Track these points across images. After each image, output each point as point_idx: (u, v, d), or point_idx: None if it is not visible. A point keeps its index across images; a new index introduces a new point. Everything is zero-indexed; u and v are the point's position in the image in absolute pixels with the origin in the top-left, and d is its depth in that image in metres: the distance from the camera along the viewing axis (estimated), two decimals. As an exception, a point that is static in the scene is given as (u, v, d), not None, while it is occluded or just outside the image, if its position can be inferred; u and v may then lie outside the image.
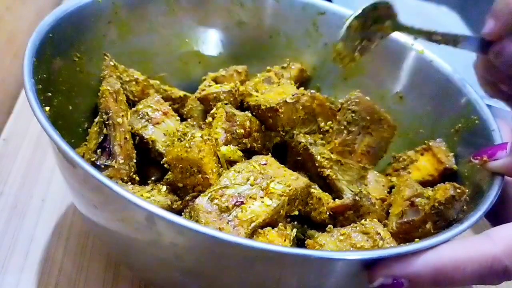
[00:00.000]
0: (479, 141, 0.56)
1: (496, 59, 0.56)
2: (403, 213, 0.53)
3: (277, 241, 0.47)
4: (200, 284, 0.47)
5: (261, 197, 0.49)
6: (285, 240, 0.48)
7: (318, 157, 0.57)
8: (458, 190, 0.49)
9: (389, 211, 0.55)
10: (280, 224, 0.49)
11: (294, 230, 0.51)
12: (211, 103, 0.60)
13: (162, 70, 0.69)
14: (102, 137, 0.54)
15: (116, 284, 0.56)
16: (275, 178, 0.51)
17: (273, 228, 0.48)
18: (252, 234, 0.47)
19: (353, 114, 0.61)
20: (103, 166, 0.53)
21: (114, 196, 0.40)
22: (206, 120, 0.58)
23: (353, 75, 0.70)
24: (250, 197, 0.49)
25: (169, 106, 0.61)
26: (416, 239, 0.47)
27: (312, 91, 0.64)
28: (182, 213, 0.51)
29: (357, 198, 0.54)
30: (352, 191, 0.56)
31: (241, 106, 0.60)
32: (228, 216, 0.47)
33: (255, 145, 0.57)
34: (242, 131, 0.56)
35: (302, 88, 0.61)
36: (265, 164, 0.52)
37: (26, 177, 0.67)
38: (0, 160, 0.68)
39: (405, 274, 0.41)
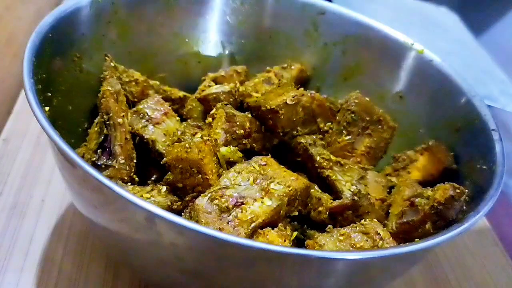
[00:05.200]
0: (479, 141, 0.56)
1: None
2: (402, 213, 0.53)
3: (277, 241, 0.47)
4: (200, 284, 0.47)
5: (261, 198, 0.49)
6: (285, 240, 0.48)
7: (318, 158, 0.57)
8: (457, 190, 0.49)
9: (389, 211, 0.56)
10: (280, 224, 0.49)
11: (294, 230, 0.51)
12: (211, 103, 0.60)
13: (161, 70, 0.69)
14: (102, 137, 0.55)
15: (116, 284, 0.56)
16: (274, 179, 0.51)
17: (273, 228, 0.48)
18: (252, 235, 0.47)
19: (353, 115, 0.61)
20: (103, 166, 0.53)
21: (114, 196, 0.40)
22: (206, 121, 0.58)
23: (353, 75, 0.70)
24: (250, 198, 0.49)
25: (169, 106, 0.61)
26: (416, 239, 0.47)
27: (312, 91, 0.64)
28: (182, 214, 0.51)
29: (355, 198, 0.54)
30: (351, 191, 0.56)
31: (241, 106, 0.60)
32: (228, 216, 0.47)
33: (255, 145, 0.57)
34: (242, 131, 0.56)
35: (302, 88, 0.61)
36: (265, 164, 0.52)
37: (26, 177, 0.67)
38: (0, 160, 0.68)
39: None
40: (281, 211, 0.50)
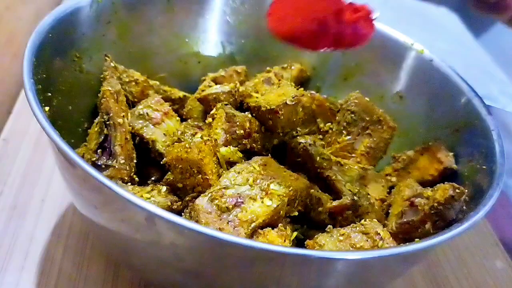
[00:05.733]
0: (479, 141, 0.56)
1: None
2: (402, 213, 0.53)
3: (277, 242, 0.47)
4: (200, 284, 0.47)
5: (261, 198, 0.49)
6: (284, 241, 0.48)
7: (318, 158, 0.57)
8: (457, 191, 0.49)
9: (389, 211, 0.56)
10: (280, 224, 0.49)
11: (294, 230, 0.51)
12: (211, 103, 0.60)
13: (161, 70, 0.69)
14: (102, 137, 0.54)
15: (116, 284, 0.56)
16: (274, 179, 0.51)
17: (273, 228, 0.48)
18: (252, 235, 0.47)
19: (353, 115, 0.61)
20: (103, 166, 0.53)
21: (114, 196, 0.40)
22: (206, 121, 0.58)
23: (353, 75, 0.70)
24: (250, 198, 0.49)
25: (169, 106, 0.61)
26: (416, 239, 0.47)
27: (312, 91, 0.64)
28: (182, 214, 0.51)
29: (355, 198, 0.54)
30: (351, 192, 0.56)
31: (241, 106, 0.60)
32: (228, 216, 0.47)
33: (254, 145, 0.57)
34: (242, 132, 0.56)
35: (302, 88, 0.61)
36: (265, 164, 0.52)
37: (26, 177, 0.67)
38: (0, 160, 0.68)
39: None
40: (281, 211, 0.50)
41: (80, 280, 0.56)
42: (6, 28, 0.86)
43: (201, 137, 0.53)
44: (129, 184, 0.54)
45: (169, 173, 0.54)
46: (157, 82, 0.65)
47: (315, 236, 0.50)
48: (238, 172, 0.51)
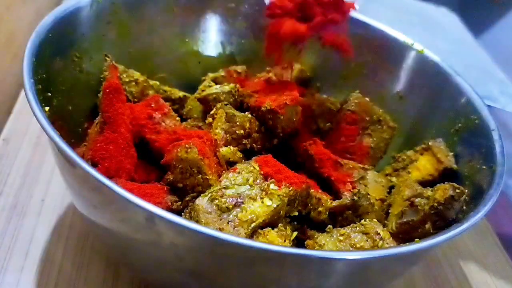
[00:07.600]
0: (479, 141, 0.56)
1: None
2: (402, 213, 0.53)
3: (277, 241, 0.47)
4: (200, 284, 0.47)
5: (261, 198, 0.49)
6: (285, 241, 0.48)
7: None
8: (457, 190, 0.50)
9: (389, 211, 0.56)
10: (280, 224, 0.49)
11: (294, 230, 0.51)
12: (211, 103, 0.60)
13: (161, 70, 0.69)
14: (102, 137, 0.54)
15: (116, 284, 0.56)
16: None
17: (273, 228, 0.48)
18: (252, 235, 0.47)
19: (353, 115, 0.61)
20: (103, 166, 0.53)
21: (114, 196, 0.40)
22: (206, 121, 0.58)
23: (353, 75, 0.70)
24: (250, 198, 0.49)
25: (169, 106, 0.61)
26: (416, 239, 0.47)
27: (312, 91, 0.64)
28: (182, 214, 0.51)
29: (355, 198, 0.54)
30: (351, 191, 0.56)
31: (241, 106, 0.60)
32: (228, 216, 0.47)
33: (254, 145, 0.57)
34: (242, 131, 0.56)
35: (302, 88, 0.61)
36: (265, 164, 0.52)
37: (26, 177, 0.67)
38: (0, 160, 0.68)
39: None
40: (281, 211, 0.50)
41: (80, 280, 0.56)
42: (6, 28, 0.86)
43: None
44: (129, 184, 0.54)
45: (169, 173, 0.54)
46: (157, 82, 0.65)
47: (315, 236, 0.50)
48: (238, 172, 0.51)
